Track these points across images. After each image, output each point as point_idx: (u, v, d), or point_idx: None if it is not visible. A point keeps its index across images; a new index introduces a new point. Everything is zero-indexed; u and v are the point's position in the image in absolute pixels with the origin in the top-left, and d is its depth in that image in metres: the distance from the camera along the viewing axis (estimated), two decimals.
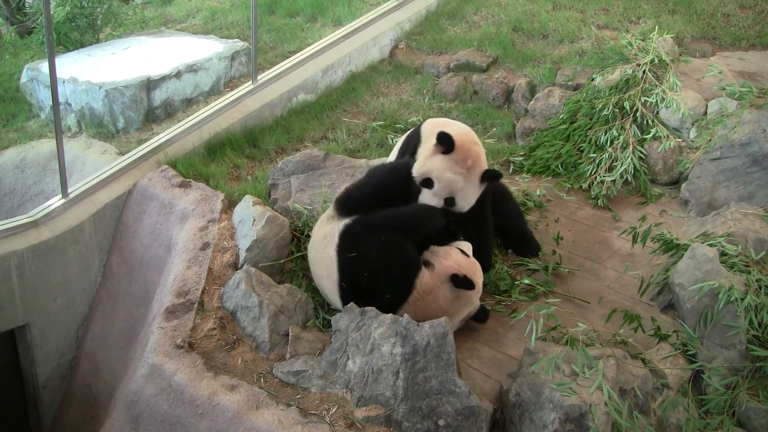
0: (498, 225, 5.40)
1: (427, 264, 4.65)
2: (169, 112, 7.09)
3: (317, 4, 8.56)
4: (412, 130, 5.33)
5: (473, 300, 4.74)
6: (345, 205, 4.86)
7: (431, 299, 4.58)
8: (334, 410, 4.29)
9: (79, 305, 6.05)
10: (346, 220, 4.76)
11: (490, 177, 4.70)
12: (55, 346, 6.01)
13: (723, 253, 4.93)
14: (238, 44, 7.67)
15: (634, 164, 6.21)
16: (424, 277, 4.59)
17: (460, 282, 4.58)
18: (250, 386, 4.47)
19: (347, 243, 4.67)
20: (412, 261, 4.61)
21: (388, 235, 4.60)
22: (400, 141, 5.43)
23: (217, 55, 7.42)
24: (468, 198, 4.71)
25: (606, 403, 4.07)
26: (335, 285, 4.78)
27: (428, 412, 4.17)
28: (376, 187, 4.88)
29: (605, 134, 6.36)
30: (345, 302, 4.71)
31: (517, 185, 6.28)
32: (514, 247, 5.54)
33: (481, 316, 4.87)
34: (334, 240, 4.73)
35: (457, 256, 4.69)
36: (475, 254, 4.83)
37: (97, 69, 7.17)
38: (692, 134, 6.32)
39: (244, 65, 7.56)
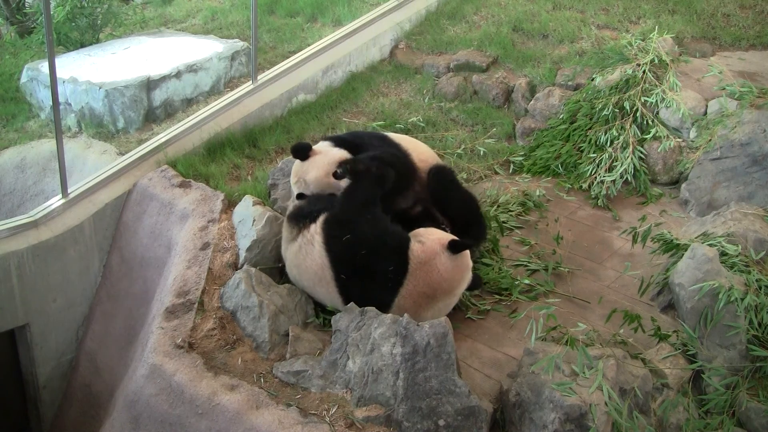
0: (443, 212, 5.37)
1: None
2: (169, 112, 7.09)
3: (317, 4, 8.56)
4: None
5: (469, 266, 4.87)
6: (295, 216, 5.03)
7: (430, 269, 4.66)
8: (334, 410, 4.29)
9: (79, 305, 6.05)
10: (320, 219, 4.85)
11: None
12: (55, 346, 6.01)
13: (723, 253, 4.93)
14: (238, 44, 7.67)
15: (634, 164, 6.21)
16: (416, 250, 4.70)
17: (459, 245, 4.72)
18: (250, 386, 4.47)
19: (334, 232, 4.75)
20: (400, 231, 4.82)
21: (371, 213, 4.80)
22: None
23: (217, 55, 7.42)
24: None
25: (606, 403, 4.07)
26: (330, 284, 4.77)
27: (428, 412, 4.17)
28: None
29: (605, 134, 6.37)
30: (345, 296, 4.71)
31: (517, 185, 6.28)
32: (458, 234, 5.25)
33: (475, 283, 4.98)
34: (316, 240, 4.78)
35: (438, 232, 4.88)
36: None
37: (97, 69, 7.17)
38: (692, 134, 6.32)
39: (244, 65, 7.56)
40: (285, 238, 5.09)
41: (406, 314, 4.39)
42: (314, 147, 5.25)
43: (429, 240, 4.76)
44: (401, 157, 5.28)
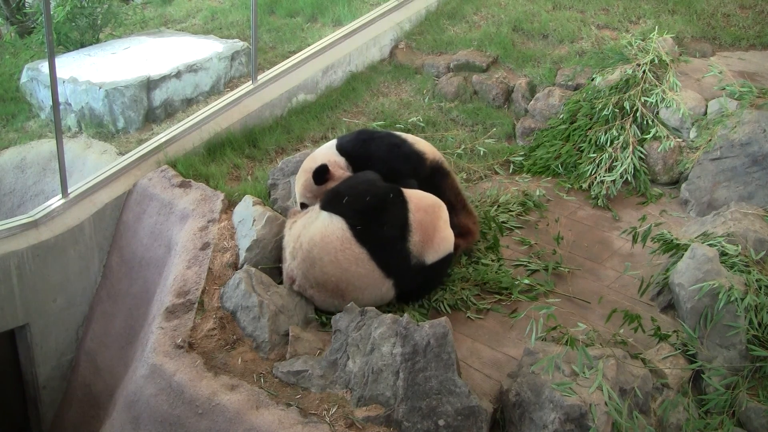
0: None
1: None
2: (169, 112, 7.10)
3: (317, 4, 8.56)
4: None
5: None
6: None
7: (420, 196, 5.08)
8: (334, 410, 4.29)
9: (79, 305, 6.06)
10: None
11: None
12: (55, 346, 6.01)
13: (723, 253, 4.93)
14: (238, 44, 7.67)
15: (634, 164, 6.21)
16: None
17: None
18: (250, 386, 4.47)
19: (336, 199, 5.04)
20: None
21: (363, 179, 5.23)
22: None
23: (217, 55, 7.42)
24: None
25: (606, 403, 4.07)
26: (351, 241, 4.83)
27: (428, 412, 4.17)
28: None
29: (605, 134, 6.37)
30: (368, 245, 4.84)
31: (517, 185, 6.28)
32: None
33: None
34: (335, 216, 4.94)
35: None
36: None
37: (97, 69, 7.18)
38: (692, 134, 6.32)
39: (244, 65, 7.57)
40: (304, 221, 5.17)
41: (406, 314, 4.40)
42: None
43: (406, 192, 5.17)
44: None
